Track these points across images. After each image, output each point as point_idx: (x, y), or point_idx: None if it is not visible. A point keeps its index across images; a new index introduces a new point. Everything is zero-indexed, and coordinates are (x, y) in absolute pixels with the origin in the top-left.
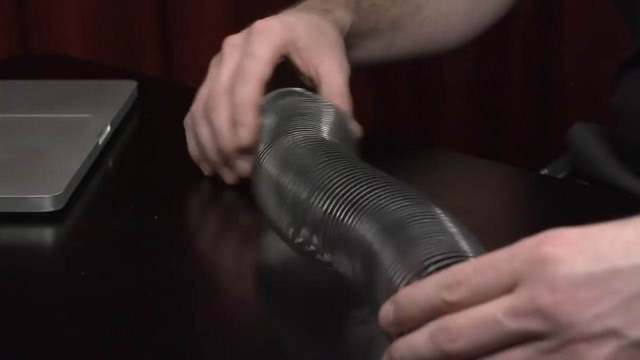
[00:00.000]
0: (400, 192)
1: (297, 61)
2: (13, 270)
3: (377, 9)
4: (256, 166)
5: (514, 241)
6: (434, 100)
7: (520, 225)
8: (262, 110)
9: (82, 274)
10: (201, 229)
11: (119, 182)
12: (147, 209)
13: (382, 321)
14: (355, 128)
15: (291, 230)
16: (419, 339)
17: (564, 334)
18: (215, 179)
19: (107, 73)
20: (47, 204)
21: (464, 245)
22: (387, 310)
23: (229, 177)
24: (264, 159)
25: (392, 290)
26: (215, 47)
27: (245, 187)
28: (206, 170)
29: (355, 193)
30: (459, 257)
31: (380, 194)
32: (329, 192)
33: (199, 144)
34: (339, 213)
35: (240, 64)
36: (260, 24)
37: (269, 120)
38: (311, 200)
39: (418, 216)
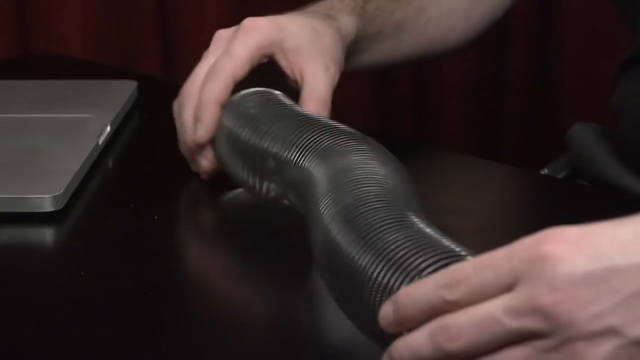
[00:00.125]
0: (347, 134)
1: (283, 62)
2: (13, 270)
3: (382, 13)
4: (219, 128)
5: (514, 241)
6: (434, 100)
7: (520, 225)
8: (226, 109)
9: (82, 273)
10: (201, 229)
11: (119, 182)
12: (147, 209)
13: (382, 321)
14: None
15: (256, 181)
16: (418, 339)
17: (563, 333)
18: (216, 180)
19: (107, 73)
20: (47, 204)
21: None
22: (387, 310)
23: (196, 170)
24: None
25: (392, 290)
26: None
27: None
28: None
29: (307, 140)
30: (454, 257)
31: (339, 141)
32: (287, 141)
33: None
34: (293, 157)
35: (216, 61)
36: (248, 22)
37: (227, 122)
38: (269, 149)
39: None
